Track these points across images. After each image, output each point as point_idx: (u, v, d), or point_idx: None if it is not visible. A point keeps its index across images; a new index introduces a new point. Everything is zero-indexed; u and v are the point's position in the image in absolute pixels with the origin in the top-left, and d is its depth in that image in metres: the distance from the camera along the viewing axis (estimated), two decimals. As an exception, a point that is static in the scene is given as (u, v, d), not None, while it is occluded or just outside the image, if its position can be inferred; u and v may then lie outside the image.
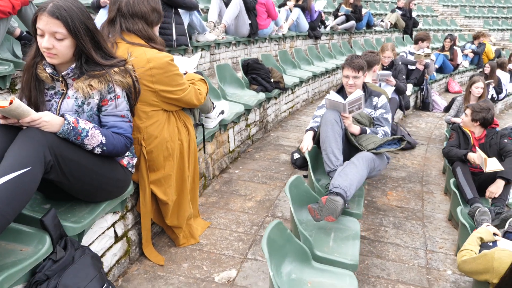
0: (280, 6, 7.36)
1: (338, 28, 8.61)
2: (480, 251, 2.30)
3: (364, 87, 3.26)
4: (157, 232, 2.42)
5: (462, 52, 9.61)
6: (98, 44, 1.64)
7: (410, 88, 6.53)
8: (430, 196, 4.06)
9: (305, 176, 3.22)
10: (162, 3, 3.98)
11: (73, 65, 1.62)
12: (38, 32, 1.54)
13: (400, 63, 5.16)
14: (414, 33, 10.40)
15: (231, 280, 2.07)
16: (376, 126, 3.18)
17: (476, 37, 9.63)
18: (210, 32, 5.07)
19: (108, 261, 1.94)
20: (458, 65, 8.92)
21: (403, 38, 10.19)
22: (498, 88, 7.67)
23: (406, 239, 3.25)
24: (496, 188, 3.40)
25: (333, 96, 2.92)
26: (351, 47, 8.32)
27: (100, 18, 3.80)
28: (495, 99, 7.60)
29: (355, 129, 3.00)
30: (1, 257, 1.39)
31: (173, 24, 4.12)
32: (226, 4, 5.42)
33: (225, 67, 4.02)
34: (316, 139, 3.06)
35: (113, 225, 1.96)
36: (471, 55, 9.57)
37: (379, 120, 3.18)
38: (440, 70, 8.59)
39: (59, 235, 1.53)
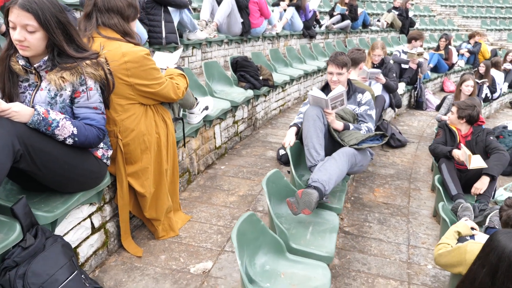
0: (273, 5, 7.39)
1: (333, 27, 8.63)
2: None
3: (349, 83, 3.29)
4: (138, 225, 2.45)
5: (458, 51, 9.63)
6: (70, 37, 1.67)
7: (402, 86, 6.56)
8: (417, 193, 4.08)
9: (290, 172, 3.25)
10: (152, 0, 4.03)
11: (46, 58, 1.66)
12: (10, 24, 1.58)
13: (391, 61, 5.17)
14: (411, 33, 10.41)
15: (207, 271, 2.10)
16: (360, 122, 3.21)
17: (471, 36, 9.64)
18: (201, 30, 5.11)
19: (84, 252, 1.97)
20: (453, 64, 8.94)
21: (399, 38, 10.21)
22: (492, 88, 7.68)
23: (389, 234, 3.28)
24: (481, 185, 3.43)
25: (315, 92, 2.95)
26: (346, 46, 8.35)
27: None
28: (489, 98, 7.62)
29: (338, 125, 3.02)
30: (-29, 243, 1.42)
31: (163, 22, 4.15)
32: (219, 3, 5.46)
33: (213, 65, 4.05)
34: (300, 135, 3.09)
35: (89, 216, 1.99)
36: (467, 54, 9.58)
37: (363, 116, 3.20)
38: (435, 69, 8.61)
39: (30, 223, 1.56)
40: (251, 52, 4.99)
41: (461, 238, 2.47)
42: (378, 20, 10.54)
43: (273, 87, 4.48)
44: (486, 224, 2.92)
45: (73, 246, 1.89)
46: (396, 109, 6.54)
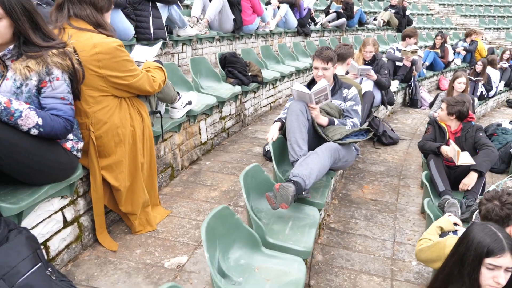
0: (266, 4, 7.36)
1: (329, 25, 8.59)
2: (439, 241, 2.29)
3: (335, 78, 3.26)
4: (115, 220, 2.42)
5: (454, 50, 9.58)
6: (36, 25, 1.65)
7: (396, 84, 6.52)
8: (406, 189, 4.05)
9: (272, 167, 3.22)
10: (140, -4, 4.00)
11: (11, 46, 1.63)
12: None
13: (383, 58, 5.14)
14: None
15: (181, 266, 2.07)
16: (346, 117, 3.18)
17: (468, 34, 9.60)
18: (192, 27, 5.08)
19: (55, 245, 1.95)
20: (449, 62, 8.89)
21: (395, 36, 10.16)
22: (488, 86, 7.64)
23: (375, 231, 3.25)
24: (469, 180, 3.39)
25: (299, 87, 2.91)
26: (339, 42, 8.29)
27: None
28: (485, 96, 7.57)
29: (323, 120, 2.99)
30: None
31: (150, 18, 4.12)
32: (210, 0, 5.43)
33: (201, 60, 4.02)
34: (284, 130, 3.05)
35: (61, 209, 1.97)
36: (463, 52, 9.53)
37: (349, 111, 3.17)
38: (430, 67, 8.56)
39: (-8, 215, 1.53)
40: (241, 49, 4.96)
41: (443, 234, 2.44)
42: (375, 19, 10.50)
43: (262, 84, 4.45)
44: (473, 220, 2.89)
45: (43, 239, 1.87)
46: (389, 107, 6.52)
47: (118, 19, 3.71)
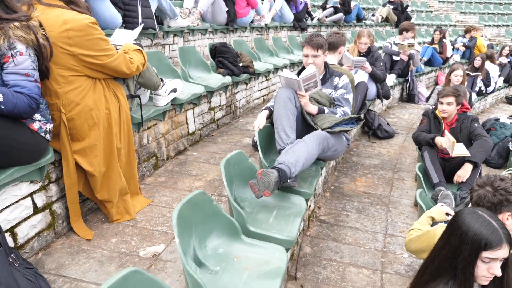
0: (262, -2, 7.26)
1: (326, 20, 8.50)
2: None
3: (326, 67, 3.16)
4: (92, 209, 2.33)
5: (453, 46, 9.48)
6: (-2, -4, 1.56)
7: (392, 78, 6.42)
8: (400, 182, 3.95)
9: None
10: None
11: (-29, 19, 1.54)
12: None
13: (379, 51, 5.04)
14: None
15: (157, 255, 1.98)
16: (336, 106, 3.08)
17: (467, 30, 9.50)
18: (184, 18, 4.98)
19: (24, 232, 1.85)
20: (447, 58, 8.79)
21: (393, 32, 10.07)
22: (487, 81, 7.53)
23: (367, 223, 3.15)
24: (464, 172, 3.29)
25: (287, 73, 2.82)
26: (338, 39, 8.19)
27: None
28: (483, 92, 7.47)
29: (312, 108, 2.89)
30: None
31: (139, 7, 4.03)
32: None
33: (190, 50, 3.93)
34: (272, 118, 2.96)
35: (30, 195, 1.87)
36: (462, 49, 9.43)
37: (339, 100, 3.07)
38: (429, 63, 8.46)
39: None
40: (233, 40, 4.87)
41: (435, 224, 2.34)
42: (373, 15, 10.40)
43: (253, 75, 4.35)
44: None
45: (9, 225, 1.77)
46: (385, 101, 6.42)
47: (105, 7, 3.62)
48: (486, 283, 1.51)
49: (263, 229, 2.08)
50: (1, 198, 1.71)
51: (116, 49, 2.14)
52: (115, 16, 3.76)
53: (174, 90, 2.92)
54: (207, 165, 3.09)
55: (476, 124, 3.54)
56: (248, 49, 4.97)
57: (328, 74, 3.14)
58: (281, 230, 2.12)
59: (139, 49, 2.27)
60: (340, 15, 8.69)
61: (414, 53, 6.74)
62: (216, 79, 3.83)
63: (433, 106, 4.43)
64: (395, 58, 6.70)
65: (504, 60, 8.68)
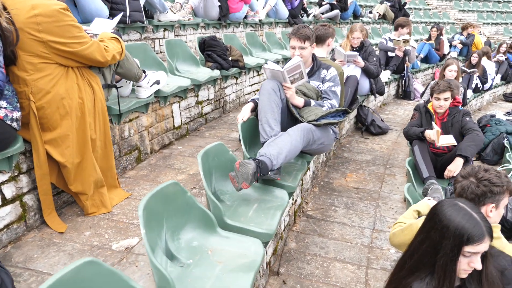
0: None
1: (322, 17, 8.43)
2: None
3: (314, 59, 3.10)
4: (69, 202, 2.26)
5: (451, 43, 9.40)
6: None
7: (387, 74, 6.36)
8: (392, 178, 3.89)
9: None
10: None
11: None
12: None
13: (370, 45, 4.97)
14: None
15: (129, 248, 1.91)
16: (324, 99, 3.01)
17: (464, 28, 9.42)
18: (175, 13, 4.92)
19: (-9, 224, 1.80)
20: (444, 55, 8.71)
21: (391, 30, 9.99)
22: (483, 78, 7.46)
23: (354, 218, 3.10)
24: (455, 167, 3.23)
25: (271, 65, 2.76)
26: (333, 35, 8.11)
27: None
28: (480, 88, 7.39)
29: (299, 101, 2.83)
30: None
31: (126, 0, 3.97)
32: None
33: (177, 43, 3.87)
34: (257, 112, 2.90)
35: (-2, 185, 1.82)
36: (459, 46, 9.35)
37: (327, 93, 3.01)
38: (425, 59, 8.39)
39: None
40: (224, 34, 4.81)
41: (420, 218, 2.28)
42: (370, 12, 10.32)
43: (243, 69, 4.29)
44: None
45: (-25, 216, 1.72)
46: (380, 97, 6.35)
47: (90, -1, 3.55)
48: (465, 276, 1.44)
49: (241, 222, 2.02)
50: (-35, 188, 1.66)
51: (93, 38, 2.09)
52: (101, 8, 3.69)
53: (157, 82, 2.86)
54: (191, 158, 3.03)
55: (467, 118, 3.48)
56: (240, 44, 4.91)
57: (316, 66, 3.08)
58: (260, 223, 2.06)
59: (116, 38, 2.21)
60: (336, 11, 8.61)
61: (410, 49, 6.67)
62: (205, 73, 3.76)
63: (425, 100, 4.36)
64: (390, 54, 6.63)
65: (501, 57, 8.61)
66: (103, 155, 2.20)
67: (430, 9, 13.46)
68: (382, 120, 5.38)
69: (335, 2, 8.70)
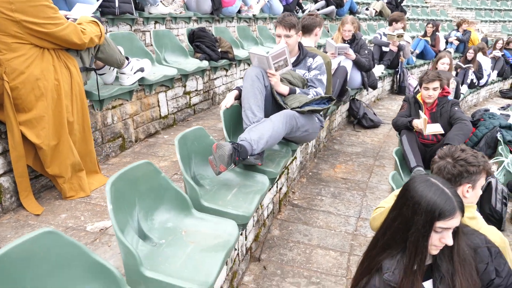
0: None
1: (317, 13, 8.39)
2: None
3: (300, 48, 3.08)
4: (48, 186, 2.25)
5: (447, 40, 9.38)
6: None
7: (381, 69, 6.35)
8: (381, 169, 3.87)
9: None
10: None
11: None
12: None
13: (362, 37, 4.96)
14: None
15: (104, 229, 1.90)
16: (310, 87, 3.00)
17: (459, 24, 9.40)
18: (166, 6, 4.92)
19: (-36, 205, 1.79)
20: (440, 51, 8.67)
21: (386, 26, 9.97)
22: (479, 73, 7.43)
23: (340, 207, 3.08)
24: (442, 157, 3.20)
25: (256, 50, 2.75)
26: (328, 31, 8.12)
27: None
28: (476, 84, 7.37)
29: (283, 89, 2.81)
30: None
31: (116, -10, 3.96)
32: (187, -21, 5.26)
33: (166, 34, 3.86)
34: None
35: (-29, 166, 1.81)
36: (456, 42, 9.33)
37: (312, 81, 2.99)
38: (421, 55, 8.37)
39: None
40: (214, 27, 4.80)
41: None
42: (367, 8, 10.31)
43: (233, 60, 4.28)
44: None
45: None
46: (374, 91, 6.34)
47: (78, -11, 3.55)
48: (436, 252, 1.43)
49: (218, 205, 2.01)
50: None
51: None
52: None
53: (141, 70, 2.85)
54: (175, 147, 3.01)
55: (456, 108, 3.45)
56: (230, 36, 4.90)
57: (302, 55, 3.06)
58: (238, 206, 2.04)
59: (95, 21, 2.20)
60: (332, 8, 8.59)
61: (404, 44, 6.65)
62: (193, 64, 3.75)
63: (415, 91, 4.35)
64: (384, 49, 6.61)
65: (497, 53, 8.58)
66: (81, 139, 2.19)
67: (428, 7, 13.44)
68: (374, 113, 5.37)
69: (330, -2, 8.70)
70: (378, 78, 6.14)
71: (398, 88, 7.13)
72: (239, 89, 2.92)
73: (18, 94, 1.87)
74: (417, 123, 3.28)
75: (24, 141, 1.96)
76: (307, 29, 3.44)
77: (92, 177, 2.30)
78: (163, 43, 3.77)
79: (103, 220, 1.97)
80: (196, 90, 3.83)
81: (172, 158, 2.81)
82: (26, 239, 1.14)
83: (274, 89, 2.77)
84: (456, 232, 1.42)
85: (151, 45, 4.63)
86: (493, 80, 8.36)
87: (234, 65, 4.49)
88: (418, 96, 3.61)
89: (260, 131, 2.39)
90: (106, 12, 3.97)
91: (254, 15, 6.54)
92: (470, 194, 1.77)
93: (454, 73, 7.01)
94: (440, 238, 1.37)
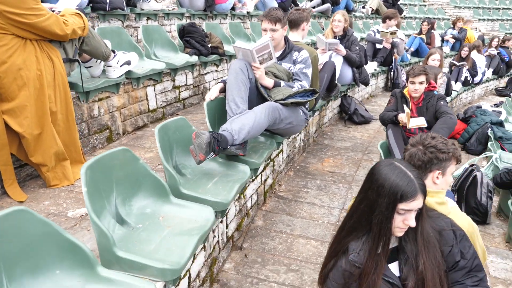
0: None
1: (313, 10, 8.44)
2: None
3: (287, 42, 3.13)
4: (33, 175, 2.30)
5: (443, 38, 9.41)
6: None
7: (374, 66, 6.39)
8: (368, 163, 3.91)
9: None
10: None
11: None
12: None
13: (353, 33, 4.99)
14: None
15: (84, 215, 1.95)
16: (295, 80, 3.04)
17: (455, 22, 9.43)
18: (159, 2, 4.96)
19: None
20: (435, 49, 8.71)
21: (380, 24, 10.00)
22: (473, 71, 7.46)
23: (325, 199, 3.12)
24: (427, 150, 3.24)
25: (240, 44, 2.79)
26: (323, 29, 8.14)
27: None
28: (470, 82, 7.39)
29: (268, 81, 2.85)
30: None
31: (107, -14, 4.01)
32: (180, -24, 5.31)
33: (156, 29, 3.91)
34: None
35: (-45, 153, 1.85)
36: (451, 40, 9.36)
37: (298, 74, 3.03)
38: (416, 53, 8.40)
39: None
40: (206, 23, 4.84)
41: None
42: (363, 7, 10.34)
43: (223, 56, 4.32)
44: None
45: None
46: (367, 88, 6.38)
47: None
48: (400, 234, 1.47)
49: (197, 193, 2.05)
50: None
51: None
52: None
53: (128, 63, 2.90)
54: (163, 139, 3.06)
55: (442, 102, 3.49)
56: (222, 32, 4.94)
57: (288, 48, 3.11)
58: (217, 194, 2.09)
59: (78, 13, 2.24)
60: (327, 5, 8.63)
61: (398, 41, 6.69)
62: (183, 59, 3.80)
63: (402, 86, 4.39)
64: (378, 46, 6.65)
65: (493, 51, 8.60)
66: (65, 129, 2.24)
67: (425, 5, 13.46)
68: (366, 110, 5.40)
69: (325, -4, 8.73)
70: (371, 75, 6.18)
71: (392, 85, 7.16)
72: (225, 82, 2.97)
73: (0, 84, 1.92)
74: (402, 117, 3.32)
75: (7, 130, 2.01)
76: (294, 24, 3.49)
77: (76, 167, 2.34)
78: (153, 38, 3.82)
79: (85, 207, 2.02)
80: (185, 85, 3.88)
81: (157, 149, 2.85)
82: (-3, 216, 1.19)
83: (259, 82, 2.82)
84: (420, 215, 1.47)
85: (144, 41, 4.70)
86: (488, 78, 8.39)
87: (225, 61, 4.53)
88: (405, 91, 3.65)
89: (242, 122, 2.44)
90: (97, 7, 4.01)
91: (248, 12, 6.58)
92: (440, 180, 1.81)
93: (446, 70, 7.07)
94: (403, 220, 1.42)
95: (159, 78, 3.43)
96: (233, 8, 6.22)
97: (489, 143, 4.91)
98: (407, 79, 3.57)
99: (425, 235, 1.50)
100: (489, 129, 5.24)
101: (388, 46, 6.53)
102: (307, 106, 3.19)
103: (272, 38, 2.97)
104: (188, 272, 1.84)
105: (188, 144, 2.34)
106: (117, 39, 3.32)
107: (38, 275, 1.33)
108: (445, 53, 9.17)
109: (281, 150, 3.28)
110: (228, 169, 2.42)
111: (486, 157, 4.61)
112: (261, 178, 2.88)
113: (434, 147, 1.80)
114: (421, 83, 3.43)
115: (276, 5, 7.28)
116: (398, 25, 6.70)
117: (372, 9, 10.20)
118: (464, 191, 3.47)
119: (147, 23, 4.74)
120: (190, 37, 3.99)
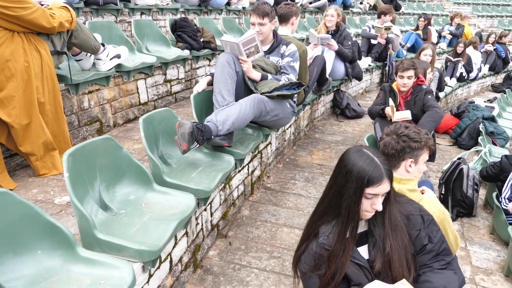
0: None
1: (309, 6, 8.48)
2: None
3: (275, 35, 3.18)
4: (23, 165, 2.37)
5: (440, 34, 9.43)
6: None
7: (368, 61, 6.42)
8: (357, 156, 3.96)
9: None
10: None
11: None
12: None
13: (345, 29, 5.03)
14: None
15: (70, 202, 2.01)
16: (282, 74, 3.10)
17: (452, 18, 9.44)
18: (153, -3, 5.01)
19: None
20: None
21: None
22: (468, 67, 7.49)
23: (312, 190, 3.19)
24: (413, 143, 3.30)
25: (227, 37, 2.85)
26: (318, 24, 8.17)
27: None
28: (465, 77, 7.43)
29: (256, 75, 2.91)
30: None
31: (100, -19, 4.06)
32: (174, -29, 5.35)
33: (147, 24, 3.97)
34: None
35: None
36: (448, 36, 9.37)
37: (285, 68, 3.08)
38: (413, 49, 8.42)
39: None
40: (198, 18, 4.89)
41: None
42: (361, 2, 10.35)
43: (215, 50, 4.37)
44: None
45: None
46: (362, 84, 6.43)
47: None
48: (368, 217, 1.53)
49: (181, 181, 2.11)
50: None
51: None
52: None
53: (118, 56, 2.96)
54: (152, 131, 3.12)
55: (429, 96, 3.54)
56: (215, 27, 4.99)
57: (276, 42, 3.15)
58: (200, 182, 2.15)
59: (66, 7, 2.30)
60: (324, 1, 8.65)
61: (393, 37, 6.72)
62: (174, 53, 3.85)
63: (391, 80, 4.43)
64: (373, 41, 6.69)
65: (489, 47, 8.62)
66: (54, 119, 2.30)
67: (424, 1, 13.45)
68: (358, 104, 5.45)
69: (323, -8, 8.75)
70: (365, 70, 6.23)
71: (387, 81, 7.20)
72: (213, 75, 3.02)
73: (-12, 74, 1.98)
74: (388, 110, 3.38)
75: (-4, 120, 2.07)
76: (283, 18, 3.53)
77: (65, 157, 2.40)
78: (144, 32, 3.87)
79: (71, 194, 2.09)
80: (177, 79, 3.94)
81: (147, 141, 2.91)
82: (-22, 198, 1.26)
83: (246, 75, 2.87)
84: (387, 199, 1.53)
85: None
86: (484, 74, 8.41)
87: (217, 55, 4.58)
88: (394, 85, 3.70)
89: (227, 113, 2.49)
90: (89, 2, 4.07)
91: (243, 8, 6.62)
92: (413, 168, 1.87)
93: (440, 65, 7.10)
94: (371, 204, 1.48)
95: (150, 71, 3.48)
96: (228, 4, 6.27)
97: (480, 138, 4.96)
98: (396, 73, 3.62)
99: (392, 219, 1.56)
100: (481, 124, 5.29)
101: (383, 41, 6.56)
102: (294, 99, 3.25)
103: (260, 32, 3.02)
104: (169, 256, 1.90)
105: (174, 134, 2.40)
106: (108, 33, 3.38)
107: (21, 255, 1.40)
108: (442, 49, 9.20)
109: (270, 143, 3.34)
110: (213, 159, 2.48)
111: (477, 151, 4.67)
112: (248, 169, 2.95)
113: (407, 136, 1.86)
114: (409, 77, 3.48)
115: (272, 1, 7.32)
116: (393, 21, 6.72)
117: (370, 5, 10.22)
118: (450, 184, 3.53)
119: (141, 18, 4.80)
120: (182, 32, 4.04)
